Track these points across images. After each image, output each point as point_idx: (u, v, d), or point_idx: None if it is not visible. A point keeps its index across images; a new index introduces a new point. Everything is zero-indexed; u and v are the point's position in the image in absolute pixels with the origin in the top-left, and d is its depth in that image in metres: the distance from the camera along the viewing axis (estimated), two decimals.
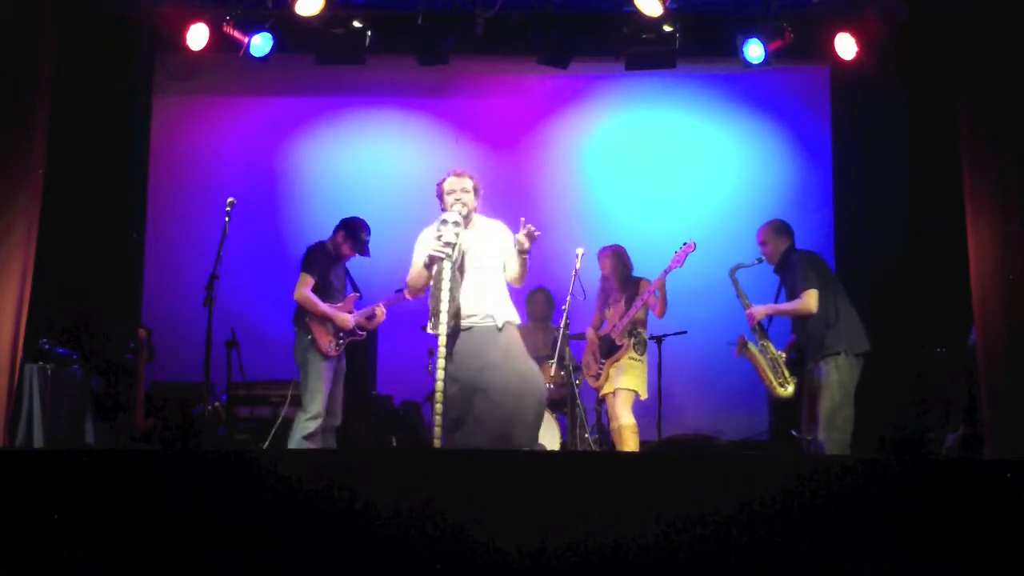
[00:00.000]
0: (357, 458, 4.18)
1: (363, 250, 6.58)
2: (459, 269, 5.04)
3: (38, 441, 6.13)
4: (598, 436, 6.90)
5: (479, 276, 5.16)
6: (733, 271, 6.22)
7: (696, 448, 6.82)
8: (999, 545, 3.46)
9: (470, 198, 5.24)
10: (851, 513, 3.52)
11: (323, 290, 6.41)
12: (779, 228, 6.21)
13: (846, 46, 7.13)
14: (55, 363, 6.49)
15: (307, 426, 6.15)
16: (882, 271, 7.37)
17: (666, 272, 6.42)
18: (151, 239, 8.14)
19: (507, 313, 5.19)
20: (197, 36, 7.04)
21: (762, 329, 6.12)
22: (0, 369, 5.74)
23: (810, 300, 5.90)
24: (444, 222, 4.99)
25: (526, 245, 5.08)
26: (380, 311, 6.58)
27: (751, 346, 6.10)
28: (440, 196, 5.31)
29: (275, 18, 7.06)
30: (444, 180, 5.32)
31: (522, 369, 5.10)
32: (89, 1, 6.98)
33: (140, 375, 7.11)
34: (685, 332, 7.29)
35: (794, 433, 5.93)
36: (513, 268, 5.22)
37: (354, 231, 6.55)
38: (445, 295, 4.88)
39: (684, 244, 6.49)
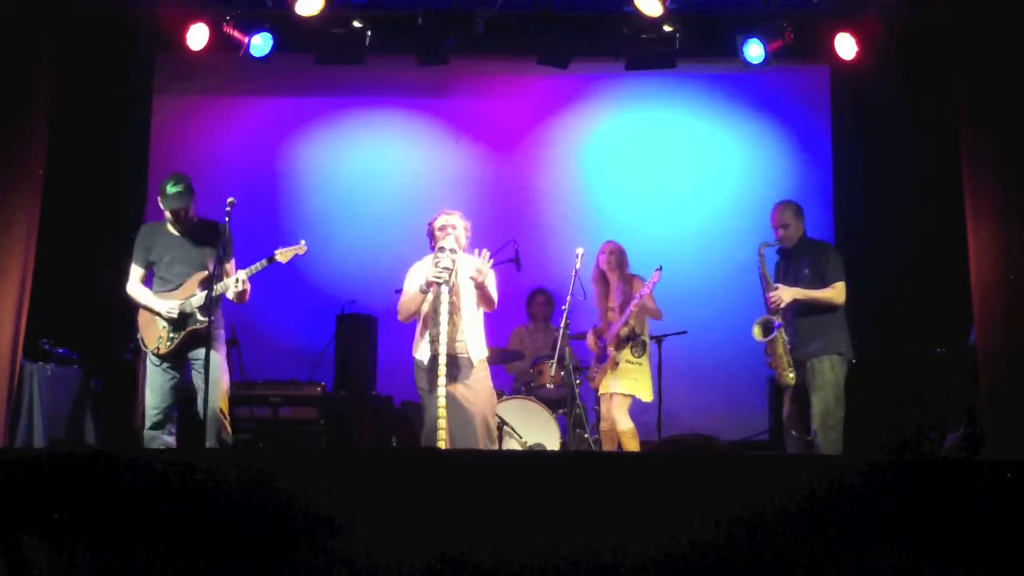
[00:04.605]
0: (357, 458, 4.18)
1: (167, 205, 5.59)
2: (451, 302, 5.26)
3: (38, 441, 6.13)
4: (598, 436, 6.91)
5: (463, 312, 5.34)
6: (762, 247, 5.95)
7: (696, 448, 6.82)
8: (999, 545, 3.46)
9: (462, 234, 5.40)
10: (851, 513, 3.51)
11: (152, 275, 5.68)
12: (799, 211, 6.00)
13: (846, 46, 7.13)
14: (55, 363, 6.49)
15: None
16: (882, 271, 7.37)
17: (639, 297, 6.42)
18: None
19: (480, 351, 5.40)
20: (197, 36, 7.05)
21: (779, 312, 5.85)
22: (0, 369, 5.75)
23: (842, 291, 5.79)
24: (441, 249, 5.24)
25: (479, 278, 5.25)
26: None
27: (779, 331, 5.81)
28: (430, 235, 5.46)
29: (275, 18, 7.06)
30: (435, 219, 5.47)
31: (479, 417, 5.27)
32: (89, 1, 6.98)
33: (140, 375, 7.10)
34: (685, 332, 7.29)
35: (794, 433, 5.90)
36: (477, 296, 5.37)
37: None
38: (444, 318, 5.15)
39: (655, 270, 6.45)
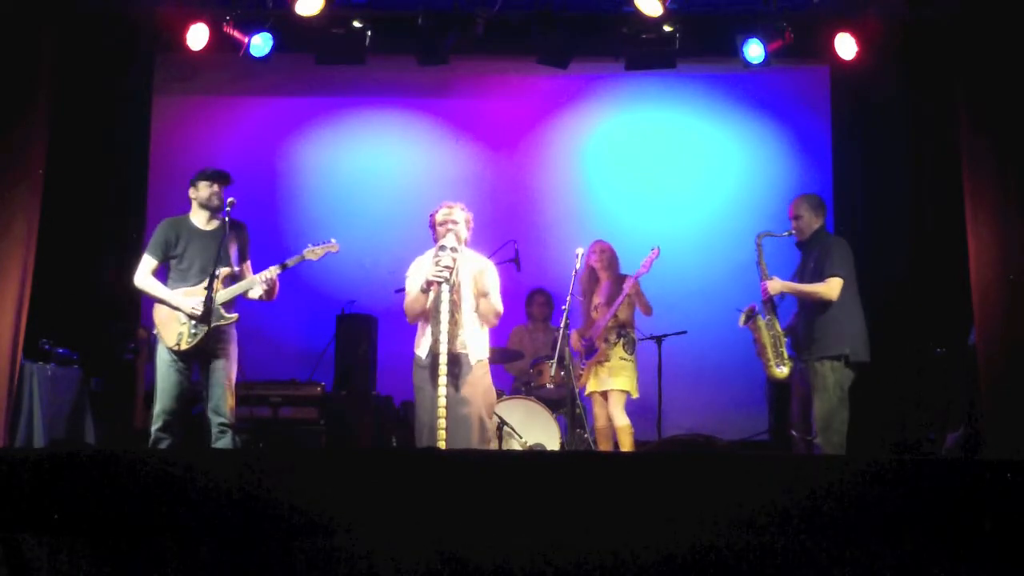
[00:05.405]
0: (357, 458, 4.18)
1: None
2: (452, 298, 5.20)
3: (38, 441, 6.13)
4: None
5: (463, 309, 5.27)
6: (760, 237, 5.91)
7: (696, 448, 6.82)
8: (999, 545, 3.46)
9: (463, 228, 5.33)
10: (851, 513, 3.51)
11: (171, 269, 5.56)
12: (817, 204, 5.92)
13: (846, 46, 7.13)
14: (55, 363, 6.49)
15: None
16: (882, 271, 7.37)
17: (636, 278, 6.48)
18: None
19: (480, 351, 5.30)
20: (197, 36, 7.05)
21: (773, 304, 5.83)
22: (0, 369, 5.75)
23: (835, 287, 5.63)
24: (442, 247, 5.15)
25: (481, 291, 5.24)
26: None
27: (760, 319, 5.79)
28: (432, 227, 5.40)
29: (275, 18, 7.06)
30: (436, 211, 5.40)
31: (475, 417, 5.19)
32: (89, 1, 6.99)
33: (140, 375, 7.11)
34: (685, 332, 7.29)
35: (794, 433, 5.89)
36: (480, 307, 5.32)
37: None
38: (444, 317, 5.07)
39: (651, 250, 6.51)
